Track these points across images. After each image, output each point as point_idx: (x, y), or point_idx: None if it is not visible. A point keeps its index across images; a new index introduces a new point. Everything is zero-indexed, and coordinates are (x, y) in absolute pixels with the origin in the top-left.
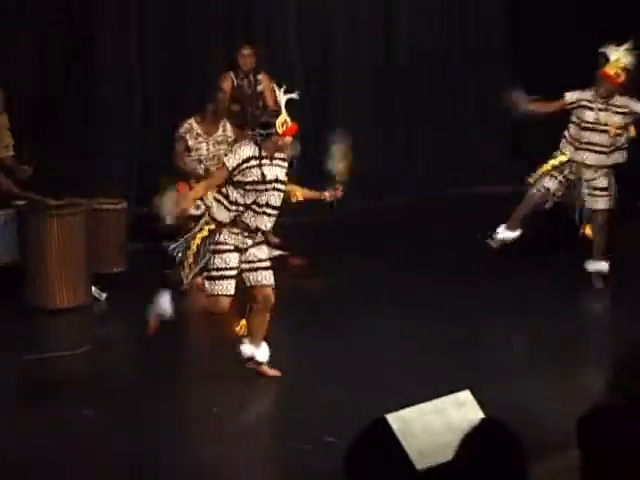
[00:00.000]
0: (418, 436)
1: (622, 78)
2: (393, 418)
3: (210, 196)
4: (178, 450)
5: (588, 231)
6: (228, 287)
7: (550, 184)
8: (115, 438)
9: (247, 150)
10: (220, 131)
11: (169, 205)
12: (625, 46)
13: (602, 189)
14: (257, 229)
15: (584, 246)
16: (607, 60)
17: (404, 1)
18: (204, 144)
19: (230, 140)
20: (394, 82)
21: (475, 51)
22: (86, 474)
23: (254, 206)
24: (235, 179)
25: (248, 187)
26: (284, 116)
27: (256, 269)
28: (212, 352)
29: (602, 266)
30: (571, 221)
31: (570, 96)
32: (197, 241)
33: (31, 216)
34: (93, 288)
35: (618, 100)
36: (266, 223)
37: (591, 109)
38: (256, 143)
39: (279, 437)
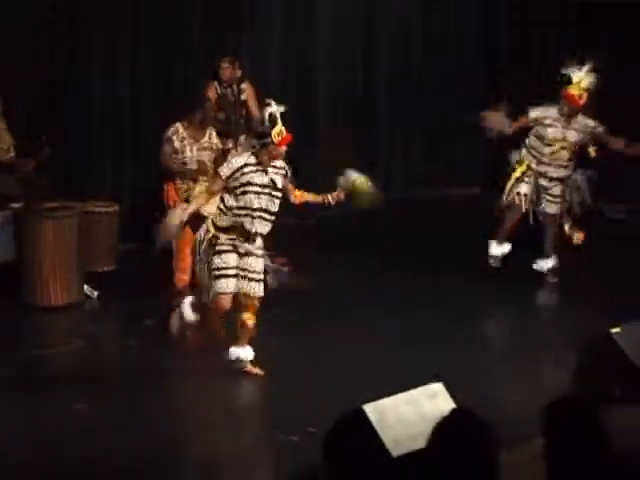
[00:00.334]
0: (393, 426)
1: (584, 99)
2: (370, 408)
3: (213, 206)
4: (170, 444)
5: (569, 230)
6: (228, 285)
7: (523, 188)
8: (107, 432)
9: (241, 159)
10: (206, 137)
11: (172, 228)
12: (586, 67)
13: (555, 196)
14: (255, 234)
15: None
16: (569, 80)
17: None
18: (188, 147)
19: (215, 147)
20: (377, 86)
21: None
22: (79, 469)
23: (250, 211)
24: (231, 186)
25: (243, 192)
26: (280, 126)
27: (249, 279)
28: (203, 349)
29: (551, 263)
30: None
31: (534, 113)
32: (204, 246)
33: (27, 218)
34: (85, 286)
35: (580, 119)
36: (264, 228)
37: (555, 127)
38: (252, 152)
39: (267, 429)
